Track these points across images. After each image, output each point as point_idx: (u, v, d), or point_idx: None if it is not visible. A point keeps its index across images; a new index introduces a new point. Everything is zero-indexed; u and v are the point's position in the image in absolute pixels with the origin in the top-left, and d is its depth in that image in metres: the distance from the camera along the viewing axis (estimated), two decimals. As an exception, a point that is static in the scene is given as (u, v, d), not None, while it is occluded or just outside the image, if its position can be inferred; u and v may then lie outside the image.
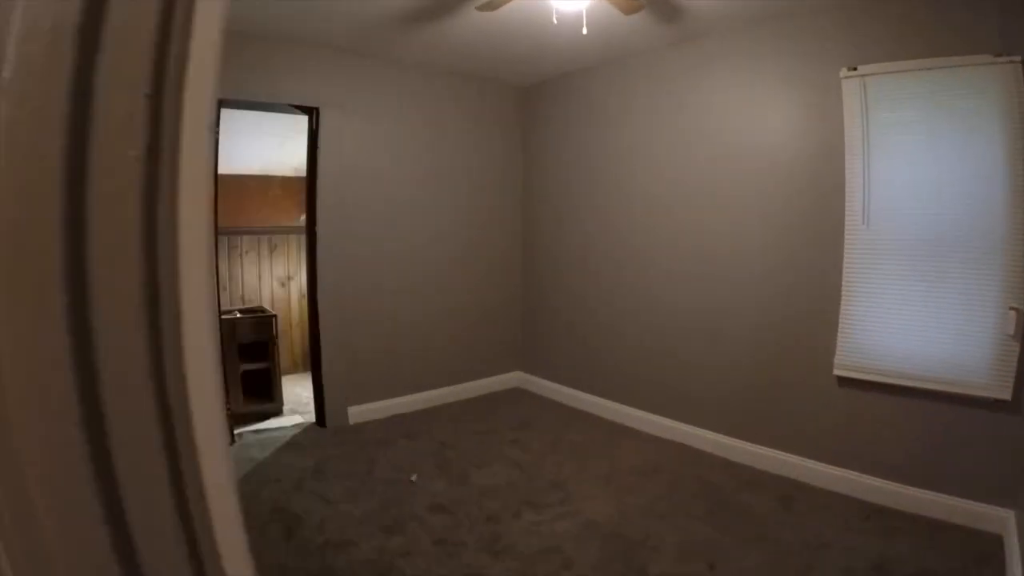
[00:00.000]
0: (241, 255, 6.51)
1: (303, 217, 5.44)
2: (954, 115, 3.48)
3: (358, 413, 5.22)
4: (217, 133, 4.29)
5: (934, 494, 3.62)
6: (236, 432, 4.82)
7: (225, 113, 4.91)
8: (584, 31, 3.65)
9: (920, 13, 3.58)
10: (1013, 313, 3.29)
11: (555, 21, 3.61)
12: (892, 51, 3.68)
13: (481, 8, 3.54)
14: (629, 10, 3.50)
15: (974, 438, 3.51)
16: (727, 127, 4.53)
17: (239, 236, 6.48)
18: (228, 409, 4.51)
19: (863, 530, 3.49)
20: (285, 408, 5.60)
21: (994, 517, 3.42)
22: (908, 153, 3.65)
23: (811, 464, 4.11)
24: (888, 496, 3.77)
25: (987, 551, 3.25)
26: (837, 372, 3.94)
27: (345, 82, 4.94)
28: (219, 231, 6.04)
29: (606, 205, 5.49)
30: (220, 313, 5.44)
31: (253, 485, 3.96)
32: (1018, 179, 3.29)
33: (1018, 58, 3.25)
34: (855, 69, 3.79)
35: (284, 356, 6.39)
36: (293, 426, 5.11)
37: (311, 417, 5.26)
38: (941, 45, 3.50)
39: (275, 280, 6.72)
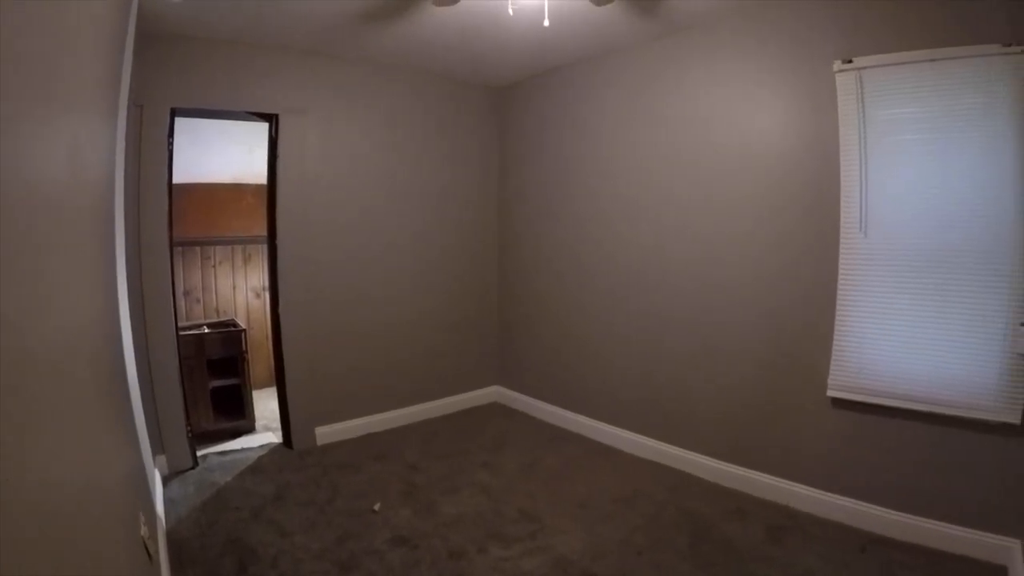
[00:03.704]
0: (215, 266, 6.35)
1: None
2: (959, 112, 3.21)
3: (327, 434, 5.04)
4: (171, 143, 4.16)
5: (935, 523, 3.41)
6: (200, 454, 4.65)
7: (192, 122, 4.77)
8: (546, 23, 3.41)
9: (920, 1, 3.32)
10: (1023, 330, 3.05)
11: (511, 12, 3.38)
12: (890, 42, 3.41)
13: (438, 3, 3.34)
14: (600, 1, 3.28)
15: (979, 464, 3.28)
16: (712, 128, 4.28)
17: (212, 246, 6.33)
18: (189, 430, 4.37)
19: (858, 564, 3.27)
20: (258, 424, 5.45)
21: (999, 547, 3.22)
22: (909, 154, 3.38)
23: (803, 490, 3.89)
24: (886, 525, 3.55)
25: None
26: (831, 393, 3.70)
27: (305, 87, 4.74)
28: (191, 241, 5.95)
29: (585, 212, 5.28)
30: (187, 328, 5.30)
31: (210, 513, 3.79)
32: (1029, 182, 3.02)
33: None
34: (850, 62, 3.52)
35: (260, 369, 6.26)
36: (260, 447, 4.94)
37: (284, 434, 5.10)
38: (945, 35, 3.23)
39: (250, 291, 6.56)
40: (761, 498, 4.05)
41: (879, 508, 3.59)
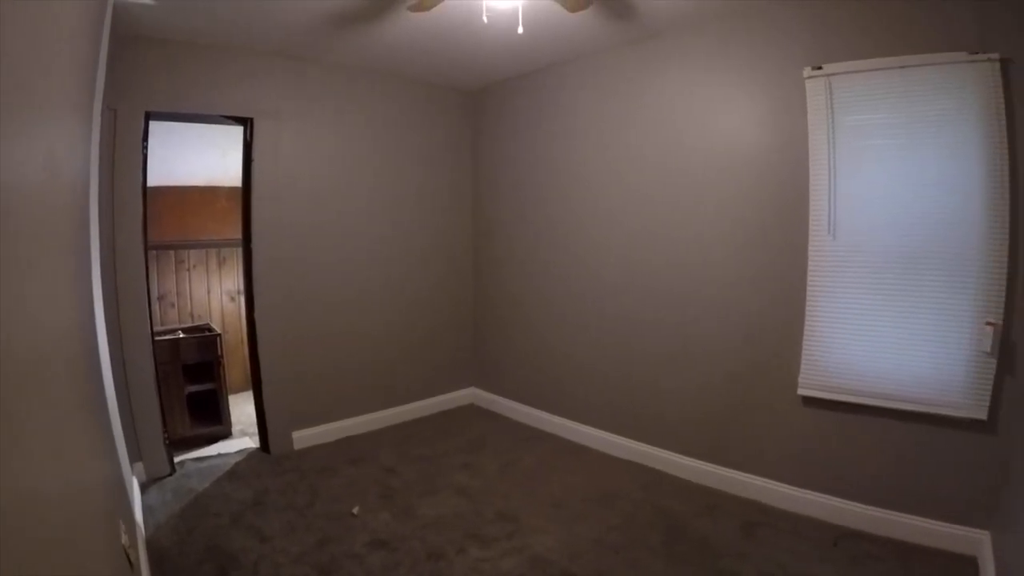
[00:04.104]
0: (188, 270, 6.31)
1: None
2: (927, 117, 3.30)
3: (304, 438, 5.04)
4: (146, 147, 4.13)
5: (907, 516, 3.50)
6: (177, 460, 4.62)
7: (166, 124, 4.74)
8: (520, 30, 3.47)
9: (890, 8, 3.40)
10: (990, 328, 3.15)
11: (485, 20, 3.41)
12: (860, 49, 3.49)
13: (412, 9, 3.36)
14: (574, 8, 3.33)
15: (948, 459, 3.38)
16: (684, 132, 4.35)
17: (186, 250, 6.29)
18: (166, 436, 4.34)
19: (831, 558, 3.35)
20: (235, 430, 5.43)
21: (969, 539, 3.32)
22: (877, 158, 3.47)
23: (776, 486, 3.97)
24: (858, 519, 3.64)
25: (962, 574, 3.16)
26: (802, 392, 3.79)
27: (280, 90, 4.74)
28: (165, 245, 5.91)
29: (557, 216, 5.34)
30: (162, 333, 5.27)
31: (189, 520, 3.77)
32: (996, 185, 3.13)
33: (996, 56, 3.09)
34: (820, 68, 3.60)
35: (236, 373, 6.23)
36: (237, 452, 4.91)
37: (261, 439, 5.08)
38: (913, 42, 3.33)
39: (225, 294, 6.53)
40: (734, 495, 4.12)
41: (851, 503, 3.67)
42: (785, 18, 3.79)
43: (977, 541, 3.29)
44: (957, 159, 3.23)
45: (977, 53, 3.13)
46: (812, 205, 3.69)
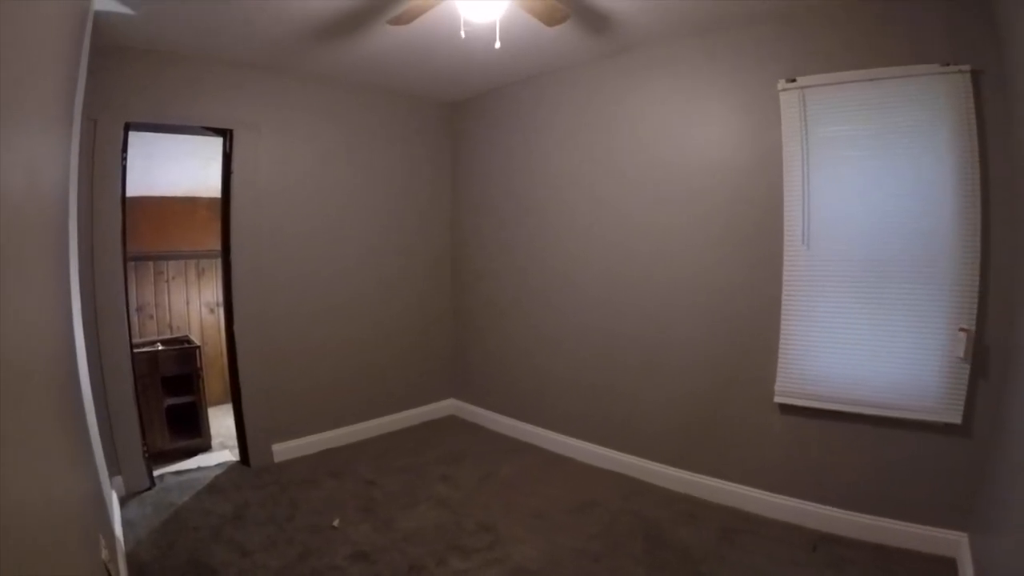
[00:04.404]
0: (168, 281, 6.30)
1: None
2: (899, 128, 3.40)
3: (284, 450, 5.04)
4: (125, 158, 4.13)
5: (885, 520, 3.58)
6: (157, 474, 4.60)
7: (146, 134, 4.74)
8: (497, 45, 3.51)
9: (863, 22, 3.50)
10: (963, 334, 3.24)
11: (463, 35, 3.47)
12: (834, 62, 3.59)
13: (392, 22, 3.41)
14: (552, 22, 3.39)
15: (925, 463, 3.47)
16: (661, 144, 4.43)
17: (165, 261, 6.28)
18: (145, 450, 4.31)
19: (810, 562, 3.41)
20: (215, 442, 5.41)
21: (947, 541, 3.41)
22: (851, 169, 3.56)
23: (755, 493, 4.03)
24: (837, 524, 3.71)
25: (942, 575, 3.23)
26: (778, 399, 3.87)
27: (260, 102, 4.77)
28: (144, 256, 5.89)
29: (535, 228, 5.41)
30: (140, 345, 5.24)
31: (170, 534, 3.76)
32: (967, 194, 3.22)
33: (967, 67, 3.18)
34: (794, 81, 3.70)
35: (215, 386, 6.21)
36: (217, 465, 4.91)
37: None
38: (886, 55, 3.43)
39: (204, 306, 6.53)
40: (714, 502, 4.18)
41: (829, 508, 3.75)
42: (760, 32, 3.88)
43: (955, 543, 3.38)
44: (929, 169, 3.32)
45: (948, 65, 3.23)
46: (786, 216, 3.78)
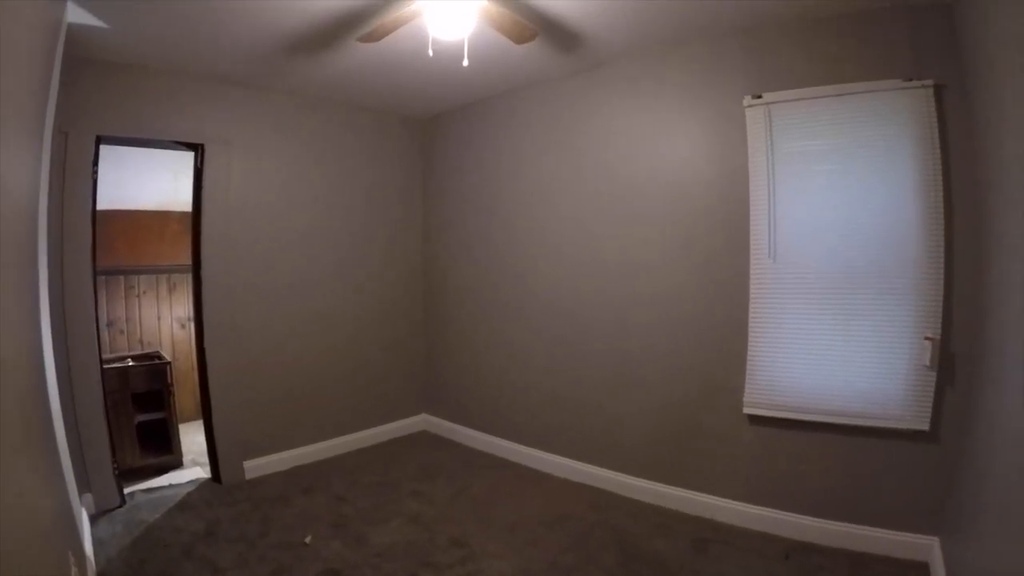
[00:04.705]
0: (139, 296, 6.29)
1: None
2: (864, 142, 3.51)
3: (255, 467, 5.04)
4: (96, 171, 4.13)
5: (857, 527, 3.66)
6: (128, 491, 4.58)
7: (117, 147, 4.74)
8: (465, 63, 3.58)
9: (827, 39, 3.63)
10: (929, 343, 3.34)
11: (431, 54, 3.55)
12: (799, 78, 3.71)
13: (362, 39, 3.47)
14: (520, 40, 3.47)
15: (894, 469, 3.56)
16: (629, 160, 4.53)
17: (136, 276, 6.27)
18: (115, 467, 4.30)
19: (782, 571, 3.48)
20: (186, 459, 5.39)
21: (919, 546, 3.49)
22: (816, 183, 3.67)
23: (727, 503, 4.10)
24: (809, 532, 3.79)
25: None
26: (747, 410, 3.95)
27: (231, 116, 4.81)
28: (115, 270, 5.87)
29: (504, 243, 5.49)
30: (111, 360, 5.22)
31: (141, 552, 3.75)
32: (931, 206, 3.34)
33: (930, 82, 3.30)
34: (759, 97, 3.81)
35: (186, 402, 6.19)
36: (188, 482, 4.90)
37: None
38: (850, 71, 3.55)
39: (175, 321, 6.52)
40: (687, 514, 4.25)
41: (801, 516, 3.83)
42: (726, 49, 4.00)
43: (927, 547, 3.47)
44: (893, 182, 3.44)
45: (912, 80, 3.36)
46: (752, 229, 3.89)
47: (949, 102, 3.31)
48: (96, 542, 3.83)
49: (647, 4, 3.51)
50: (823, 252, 3.65)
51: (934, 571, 3.31)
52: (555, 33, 3.88)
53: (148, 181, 6.11)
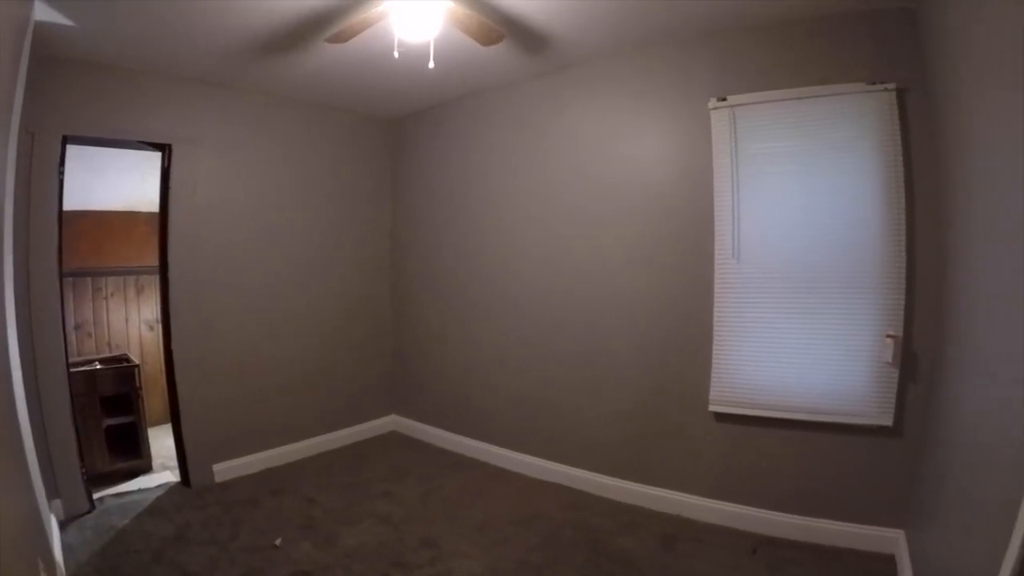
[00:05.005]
0: (106, 298, 6.28)
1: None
2: (828, 145, 3.63)
3: (225, 470, 5.07)
4: (62, 172, 4.12)
5: (824, 521, 3.78)
6: (97, 496, 4.58)
7: (84, 147, 4.73)
8: (431, 65, 3.64)
9: (792, 43, 3.74)
10: (890, 340, 3.47)
11: (396, 55, 3.61)
12: (764, 81, 3.82)
13: (330, 40, 3.52)
14: (487, 42, 3.54)
15: (859, 464, 3.68)
16: (596, 162, 4.62)
17: (103, 277, 6.26)
18: (84, 472, 4.30)
19: (750, 566, 3.59)
20: (156, 463, 5.40)
21: (885, 538, 3.63)
22: (779, 184, 3.78)
23: (695, 500, 4.21)
24: (776, 527, 3.91)
25: (881, 571, 3.45)
26: (713, 408, 4.06)
27: (199, 116, 4.83)
28: (81, 272, 5.84)
29: (472, 244, 5.57)
30: (78, 363, 5.20)
31: (111, 558, 3.76)
32: (893, 206, 3.46)
33: (893, 86, 3.43)
34: (724, 99, 3.92)
35: (155, 405, 6.17)
36: (158, 487, 4.91)
37: (182, 473, 5.06)
38: (815, 74, 3.66)
39: (143, 323, 6.51)
40: (656, 511, 4.36)
41: (768, 512, 3.95)
42: (692, 51, 4.10)
43: (893, 540, 3.61)
44: (857, 183, 3.56)
45: (875, 83, 3.48)
46: (717, 230, 3.99)
47: (912, 105, 3.44)
48: (66, 548, 3.83)
49: (613, 7, 3.59)
50: (787, 252, 3.76)
51: (900, 563, 3.43)
52: (522, 35, 3.96)
53: (115, 181, 6.10)
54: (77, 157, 4.74)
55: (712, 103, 3.97)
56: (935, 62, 3.15)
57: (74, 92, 4.20)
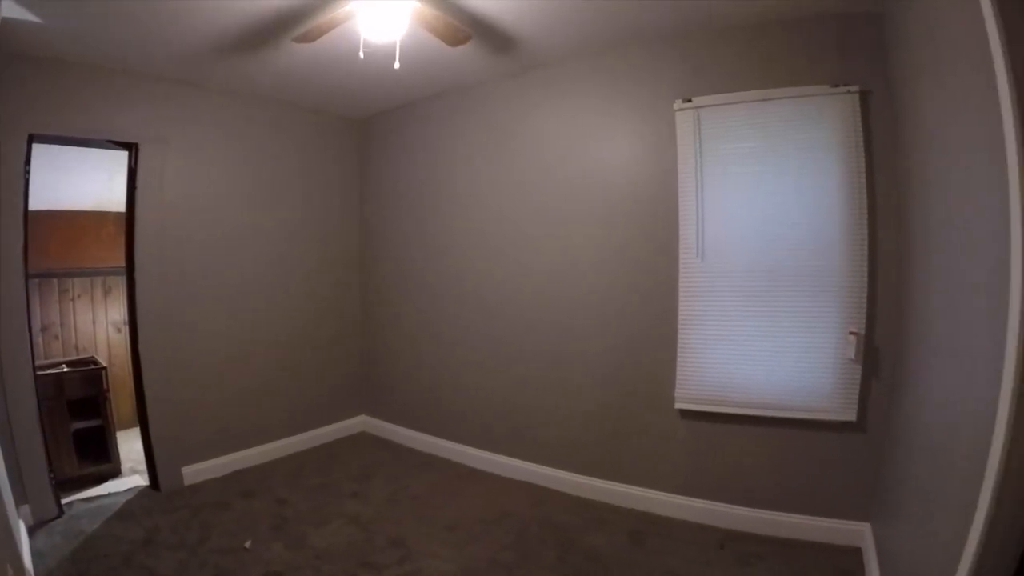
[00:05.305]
0: (73, 299, 6.27)
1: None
2: (792, 146, 3.74)
3: (194, 473, 5.10)
4: (28, 171, 4.11)
5: (790, 515, 3.90)
6: (65, 501, 4.58)
7: (51, 147, 4.71)
8: (396, 65, 3.71)
9: (758, 45, 3.85)
10: (853, 337, 3.58)
11: (362, 56, 3.67)
12: (729, 82, 3.93)
13: (297, 40, 3.56)
14: (454, 42, 3.60)
15: (825, 459, 3.80)
16: (564, 162, 4.71)
17: (70, 279, 6.24)
18: (52, 477, 4.30)
19: (718, 560, 3.70)
20: (125, 467, 5.41)
21: (852, 531, 3.75)
22: (743, 184, 3.89)
23: (663, 496, 4.32)
24: (744, 522, 4.02)
25: (848, 564, 3.55)
26: (679, 405, 4.16)
27: (166, 115, 4.84)
28: (48, 273, 5.82)
29: (440, 244, 5.64)
30: (44, 367, 5.19)
31: (81, 563, 3.77)
32: (856, 206, 3.58)
33: (856, 88, 3.55)
34: (690, 101, 4.02)
35: (124, 408, 6.18)
36: (127, 491, 4.92)
37: (151, 477, 5.07)
38: (779, 76, 3.78)
39: (111, 325, 6.50)
40: (624, 508, 4.46)
41: (735, 507, 4.07)
42: (658, 53, 4.20)
43: (859, 533, 3.73)
44: (820, 183, 3.68)
45: (839, 86, 3.60)
46: (681, 230, 4.10)
47: (875, 107, 3.56)
48: (35, 554, 3.85)
49: (581, 8, 3.67)
50: (751, 251, 3.87)
51: (866, 555, 3.55)
52: (490, 35, 4.02)
53: (84, 181, 6.08)
54: (46, 155, 4.73)
55: (678, 104, 4.07)
56: (898, 66, 3.27)
57: (41, 90, 4.18)
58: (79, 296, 6.31)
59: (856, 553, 3.66)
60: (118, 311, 6.51)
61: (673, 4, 3.62)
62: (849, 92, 3.57)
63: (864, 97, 3.57)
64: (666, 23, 3.90)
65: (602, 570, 3.64)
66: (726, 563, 3.65)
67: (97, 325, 6.43)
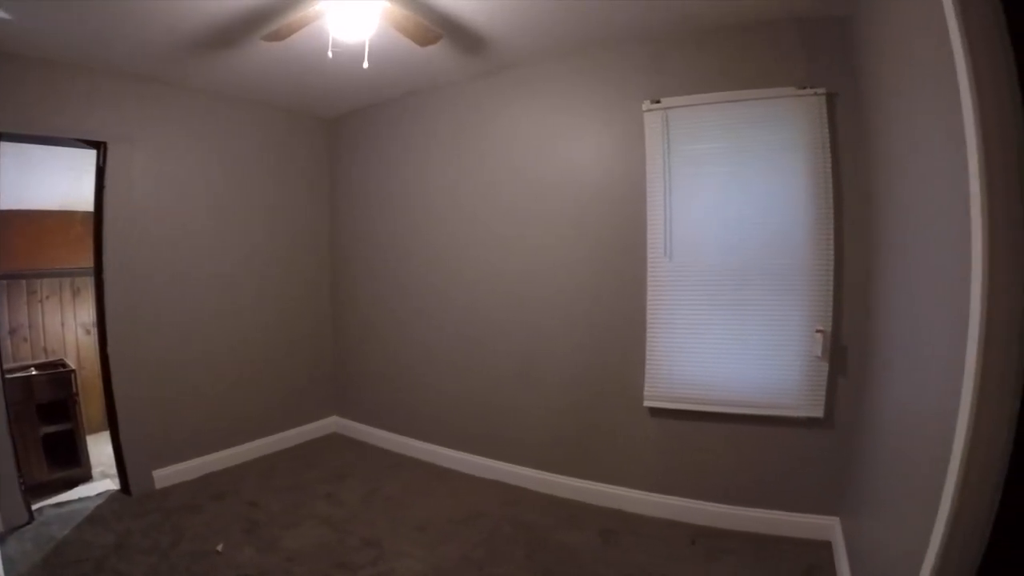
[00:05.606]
0: (41, 301, 6.25)
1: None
2: (759, 147, 3.83)
3: (165, 476, 5.11)
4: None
5: (761, 511, 4.01)
6: (36, 507, 4.57)
7: (18, 145, 4.70)
8: (365, 65, 3.76)
9: (726, 47, 3.94)
10: (819, 335, 3.68)
11: (330, 55, 3.70)
12: (697, 84, 4.01)
13: (266, 39, 3.59)
14: (424, 42, 3.65)
15: (794, 455, 3.91)
16: (534, 163, 4.78)
17: (38, 280, 6.22)
18: (22, 482, 4.29)
19: (688, 556, 3.78)
20: (96, 472, 5.40)
21: (822, 526, 3.85)
22: (712, 185, 3.98)
23: (634, 494, 4.41)
24: (714, 517, 4.12)
25: (818, 558, 3.65)
26: (647, 403, 4.25)
27: (135, 113, 4.85)
28: (16, 275, 5.80)
29: (411, 244, 5.70)
30: (13, 370, 5.17)
31: (52, 570, 3.79)
32: (822, 206, 3.68)
33: (823, 90, 3.65)
34: (658, 102, 4.10)
35: (94, 411, 6.16)
36: (98, 495, 4.93)
37: (122, 481, 5.07)
38: (747, 78, 3.87)
39: (80, 327, 6.49)
40: (595, 505, 4.55)
41: (706, 503, 4.16)
42: (628, 54, 4.28)
43: (828, 527, 3.83)
44: (787, 184, 3.78)
45: (805, 88, 3.70)
46: (649, 230, 4.18)
47: (841, 109, 3.66)
48: (6, 561, 3.85)
49: (551, 9, 3.73)
50: (718, 250, 3.96)
51: (836, 549, 3.65)
52: (460, 36, 4.08)
53: (51, 180, 6.05)
54: (12, 154, 4.72)
55: (646, 105, 4.15)
56: (866, 69, 3.36)
57: (6, 87, 4.16)
58: (48, 297, 6.30)
59: (826, 547, 3.76)
60: (87, 313, 6.49)
61: (644, 4, 3.68)
62: (816, 94, 3.67)
63: (830, 99, 3.67)
64: (636, 24, 3.97)
65: (573, 568, 3.71)
66: (697, 559, 3.74)
67: (66, 327, 6.42)
